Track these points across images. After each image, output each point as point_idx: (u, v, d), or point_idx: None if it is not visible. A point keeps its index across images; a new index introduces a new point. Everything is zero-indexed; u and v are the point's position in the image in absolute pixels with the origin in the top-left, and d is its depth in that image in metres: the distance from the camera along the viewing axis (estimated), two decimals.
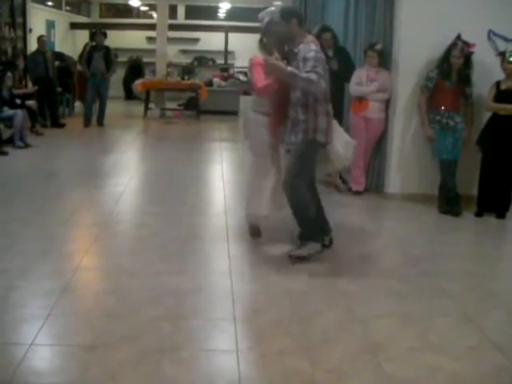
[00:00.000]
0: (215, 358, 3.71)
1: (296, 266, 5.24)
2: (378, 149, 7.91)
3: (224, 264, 5.24)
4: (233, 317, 4.19)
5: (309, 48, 5.05)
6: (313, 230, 5.45)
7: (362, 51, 8.02)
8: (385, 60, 7.67)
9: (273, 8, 5.45)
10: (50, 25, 17.24)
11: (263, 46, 5.51)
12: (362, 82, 7.69)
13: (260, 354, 3.74)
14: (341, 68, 7.93)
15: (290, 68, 4.99)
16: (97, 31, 14.30)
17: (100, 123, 13.76)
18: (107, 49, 13.86)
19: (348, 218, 6.92)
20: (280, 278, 4.93)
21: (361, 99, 7.70)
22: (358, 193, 7.80)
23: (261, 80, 5.26)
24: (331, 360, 3.71)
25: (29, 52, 14.14)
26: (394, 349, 3.88)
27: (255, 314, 4.31)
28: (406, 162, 7.60)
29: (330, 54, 8.06)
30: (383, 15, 7.75)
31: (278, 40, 5.37)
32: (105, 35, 14.11)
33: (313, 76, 4.88)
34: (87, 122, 13.60)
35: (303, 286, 4.82)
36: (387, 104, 7.72)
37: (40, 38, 13.45)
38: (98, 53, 13.60)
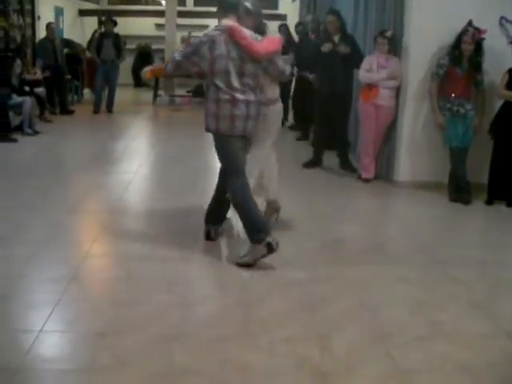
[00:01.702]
0: (224, 344, 3.70)
1: (303, 253, 5.24)
2: (387, 136, 7.85)
3: (233, 252, 5.22)
4: (241, 304, 4.18)
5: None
6: (250, 228, 5.00)
7: (373, 38, 7.97)
8: (395, 47, 7.61)
9: None
10: (59, 12, 17.20)
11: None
12: (372, 69, 7.64)
13: (269, 341, 3.72)
14: (349, 54, 7.91)
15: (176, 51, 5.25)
16: (107, 19, 14.30)
17: (109, 110, 13.76)
18: (117, 36, 13.87)
19: (357, 206, 6.91)
20: (288, 266, 4.90)
21: (371, 86, 7.65)
22: (367, 180, 7.76)
23: None
24: (340, 348, 3.69)
25: (37, 39, 14.14)
26: (404, 337, 3.86)
27: (264, 301, 4.29)
28: (416, 150, 7.54)
29: (336, 39, 8.02)
30: (394, 1, 7.68)
31: None
32: (115, 23, 14.09)
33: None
34: (97, 109, 13.63)
35: (312, 273, 4.80)
36: (397, 91, 7.65)
37: (49, 25, 13.46)
38: (108, 40, 13.60)
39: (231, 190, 5.12)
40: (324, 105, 8.21)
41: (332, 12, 8.33)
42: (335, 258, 5.19)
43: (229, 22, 5.03)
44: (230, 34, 4.95)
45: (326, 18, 8.15)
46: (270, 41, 5.17)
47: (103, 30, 14.53)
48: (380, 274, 4.89)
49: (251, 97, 5.04)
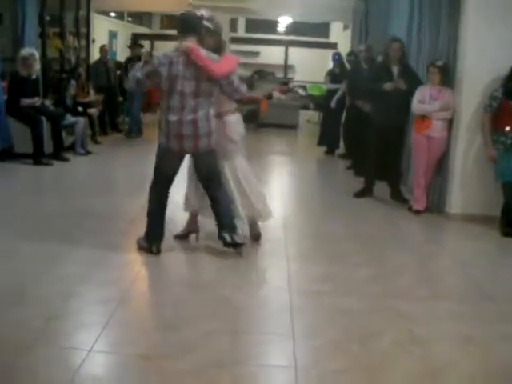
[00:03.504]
0: (273, 374, 3.68)
1: (353, 283, 5.20)
2: (439, 168, 7.76)
3: (282, 279, 5.20)
4: (291, 333, 4.14)
5: None
6: (148, 227, 5.64)
7: (425, 68, 7.92)
8: (448, 78, 7.53)
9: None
10: (113, 35, 17.53)
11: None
12: (424, 100, 7.57)
13: (318, 372, 3.69)
14: (408, 88, 7.83)
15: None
16: (132, 43, 14.30)
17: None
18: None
19: (408, 238, 6.83)
20: (338, 296, 4.87)
21: (423, 117, 7.57)
22: (418, 212, 7.65)
23: None
24: (390, 382, 3.64)
25: (91, 61, 14.40)
26: (455, 374, 3.78)
27: (313, 331, 4.25)
28: (469, 182, 7.44)
29: (395, 70, 7.97)
30: (447, 32, 7.62)
31: None
32: (141, 47, 14.09)
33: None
34: (133, 133, 13.43)
35: (362, 305, 4.74)
36: (450, 123, 7.58)
37: (102, 48, 13.70)
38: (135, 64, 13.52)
39: (149, 193, 5.64)
40: (379, 137, 8.15)
41: (397, 39, 8.24)
42: (385, 290, 5.11)
43: (187, 42, 5.27)
44: (188, 54, 5.21)
45: (391, 45, 8.08)
46: (227, 61, 5.43)
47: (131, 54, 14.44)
48: (430, 308, 4.80)
49: (202, 115, 5.34)
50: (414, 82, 7.87)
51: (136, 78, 5.38)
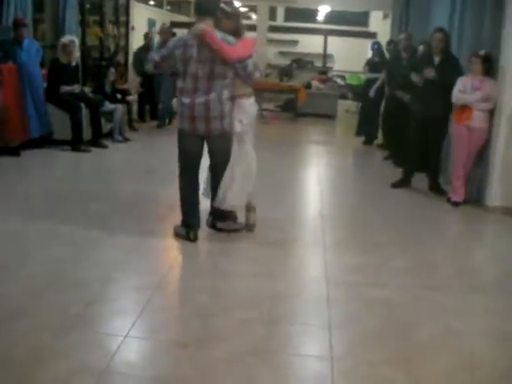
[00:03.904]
0: (308, 364, 3.66)
1: (391, 274, 5.15)
2: (479, 159, 7.63)
3: (319, 269, 5.18)
4: (327, 323, 4.12)
5: None
6: (183, 215, 5.73)
7: (466, 58, 7.78)
8: (491, 68, 7.39)
9: None
10: (152, 23, 17.59)
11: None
12: (465, 90, 7.44)
13: (354, 362, 3.66)
14: (439, 79, 7.69)
15: None
16: (163, 27, 14.21)
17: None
18: None
19: (446, 230, 6.75)
20: (376, 287, 4.84)
21: (464, 108, 7.43)
22: (456, 204, 7.53)
23: None
24: (427, 375, 3.60)
25: (130, 49, 14.48)
26: (493, 369, 3.73)
27: (350, 321, 4.23)
28: (509, 175, 7.29)
29: (437, 60, 7.84)
30: (492, 21, 7.48)
31: None
32: (173, 34, 14.05)
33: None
34: (163, 122, 12.98)
35: (398, 296, 4.70)
36: (491, 113, 7.44)
37: (146, 35, 13.79)
38: None
39: (179, 181, 5.76)
40: (419, 127, 8.03)
41: (441, 30, 8.08)
42: (423, 281, 5.06)
43: (203, 25, 5.20)
44: (202, 37, 5.16)
45: (434, 35, 7.94)
46: (243, 44, 5.39)
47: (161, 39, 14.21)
48: (468, 301, 4.74)
49: (214, 98, 5.31)
50: (454, 72, 7.73)
51: (154, 60, 5.43)
